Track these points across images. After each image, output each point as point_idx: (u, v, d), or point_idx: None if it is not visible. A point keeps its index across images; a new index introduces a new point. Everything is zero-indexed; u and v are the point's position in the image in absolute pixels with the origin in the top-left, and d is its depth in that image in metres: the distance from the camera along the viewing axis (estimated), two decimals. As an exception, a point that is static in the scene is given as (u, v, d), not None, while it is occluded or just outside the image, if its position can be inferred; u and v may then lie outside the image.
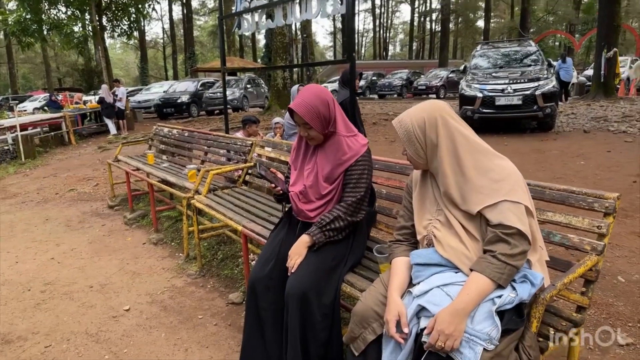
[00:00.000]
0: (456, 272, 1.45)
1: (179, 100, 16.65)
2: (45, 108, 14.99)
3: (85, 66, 27.09)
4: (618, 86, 15.56)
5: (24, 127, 11.11)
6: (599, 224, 1.55)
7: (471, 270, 1.37)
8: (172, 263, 3.69)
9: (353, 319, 1.58)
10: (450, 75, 22.26)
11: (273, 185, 2.07)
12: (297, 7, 3.89)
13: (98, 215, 5.19)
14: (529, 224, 1.39)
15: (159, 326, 2.72)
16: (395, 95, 23.87)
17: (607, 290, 2.86)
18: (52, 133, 11.93)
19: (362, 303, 1.59)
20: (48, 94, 17.88)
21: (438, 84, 21.76)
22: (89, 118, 14.08)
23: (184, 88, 18.04)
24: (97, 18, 16.53)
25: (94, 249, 4.12)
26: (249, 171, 3.68)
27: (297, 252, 1.91)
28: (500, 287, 1.34)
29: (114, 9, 18.45)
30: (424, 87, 22.34)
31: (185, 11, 38.12)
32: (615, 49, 13.74)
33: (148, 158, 4.88)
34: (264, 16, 4.51)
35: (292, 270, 1.88)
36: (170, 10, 39.81)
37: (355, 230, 2.03)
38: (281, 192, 2.08)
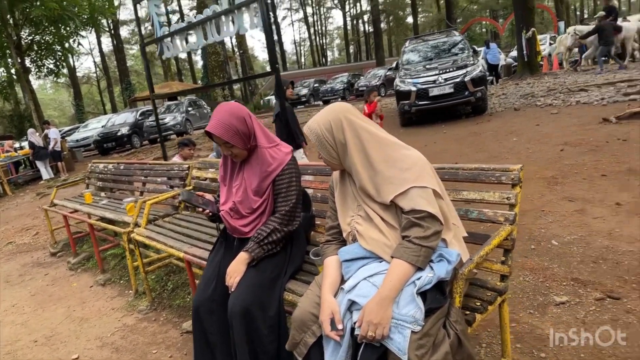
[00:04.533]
0: (380, 262, 1.49)
1: (118, 133, 16.10)
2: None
3: (13, 111, 25.68)
4: (541, 63, 16.57)
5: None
6: (508, 195, 1.65)
7: (392, 257, 1.42)
8: (121, 302, 3.55)
9: (293, 325, 1.59)
10: (388, 73, 22.80)
11: (201, 209, 2.05)
12: (214, 27, 3.89)
13: (40, 265, 4.93)
14: (439, 206, 1.46)
15: (113, 369, 2.62)
16: (339, 99, 24.25)
17: (543, 254, 3.04)
18: (-16, 186, 11.22)
19: (300, 308, 1.60)
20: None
21: (378, 83, 22.30)
22: (23, 165, 13.35)
23: (122, 120, 17.46)
24: (19, 60, 15.73)
25: (37, 301, 3.90)
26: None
27: (236, 270, 1.90)
28: (420, 269, 1.39)
29: (36, 48, 17.64)
30: (364, 88, 22.80)
31: (115, 42, 37.06)
32: (533, 29, 14.62)
33: (85, 197, 4.69)
34: (185, 39, 4.48)
35: (232, 289, 1.87)
36: (99, 43, 38.62)
37: (292, 238, 2.05)
38: (210, 213, 2.07)
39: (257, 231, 1.96)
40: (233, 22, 3.67)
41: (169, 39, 4.66)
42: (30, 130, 12.25)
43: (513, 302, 2.52)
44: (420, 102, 9.04)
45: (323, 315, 1.47)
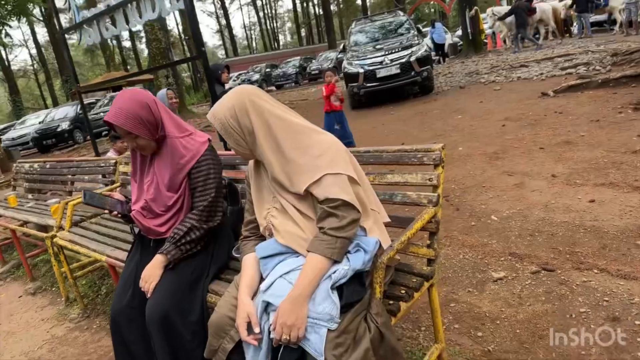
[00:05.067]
0: (297, 257, 1.39)
1: (59, 129, 15.18)
2: None
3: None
4: (485, 41, 16.96)
5: None
6: (430, 177, 1.59)
7: (308, 252, 1.32)
8: (52, 311, 3.30)
9: (210, 331, 1.47)
10: (340, 55, 22.69)
11: (107, 211, 1.87)
12: (136, 10, 3.61)
13: (-36, 278, 4.52)
14: (356, 192, 1.37)
15: (35, 387, 2.41)
16: (293, 84, 23.93)
17: (482, 231, 3.06)
18: None
19: (217, 312, 1.48)
20: None
21: (330, 66, 22.17)
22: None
23: (63, 114, 16.44)
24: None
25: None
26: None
27: (151, 275, 1.75)
28: (336, 262, 1.30)
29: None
30: (317, 71, 22.63)
31: (51, 32, 34.74)
32: (475, 8, 14.91)
33: (9, 200, 4.32)
34: (106, 23, 4.14)
35: (149, 295, 1.72)
36: (34, 34, 36.05)
37: (215, 235, 1.91)
38: (119, 215, 1.89)
39: (173, 230, 1.81)
40: (154, 4, 3.40)
41: (91, 25, 4.30)
42: (-45, 131, 11.28)
43: (452, 282, 2.52)
44: (368, 84, 9.00)
45: (239, 319, 1.36)
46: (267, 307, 1.33)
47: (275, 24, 57.50)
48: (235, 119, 1.41)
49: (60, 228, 3.10)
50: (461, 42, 17.35)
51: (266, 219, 1.48)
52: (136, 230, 1.93)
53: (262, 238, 1.59)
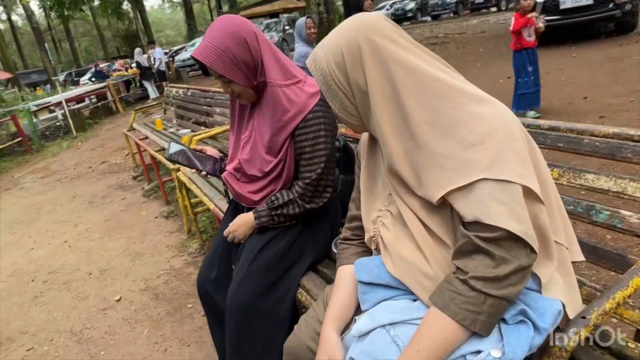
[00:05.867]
0: (414, 301, 0.89)
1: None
2: (93, 79, 15.33)
3: (126, 31, 26.99)
4: None
5: (71, 101, 11.42)
6: (677, 194, 0.89)
7: (431, 302, 0.81)
8: (177, 240, 3.40)
9: (285, 358, 1.11)
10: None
11: (194, 169, 1.56)
12: None
13: (121, 188, 5.06)
14: (534, 214, 0.78)
15: (145, 320, 2.45)
16: (451, 14, 21.58)
17: None
18: (100, 104, 12.18)
19: (295, 336, 1.10)
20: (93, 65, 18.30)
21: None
22: (133, 84, 14.18)
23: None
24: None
25: (107, 227, 3.96)
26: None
27: (239, 231, 1.50)
28: (478, 334, 0.77)
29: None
30: (482, 0, 19.91)
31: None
32: None
33: (156, 124, 4.55)
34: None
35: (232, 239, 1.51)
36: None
37: (318, 213, 1.49)
38: (207, 175, 1.58)
39: (273, 195, 1.45)
40: None
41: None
42: (136, 50, 12.77)
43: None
44: (547, 17, 7.32)
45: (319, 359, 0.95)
46: (359, 362, 0.88)
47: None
48: (342, 70, 0.89)
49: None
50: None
51: (375, 225, 0.99)
52: (231, 194, 1.61)
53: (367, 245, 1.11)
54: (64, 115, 10.24)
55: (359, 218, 1.09)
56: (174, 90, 4.97)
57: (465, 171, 0.78)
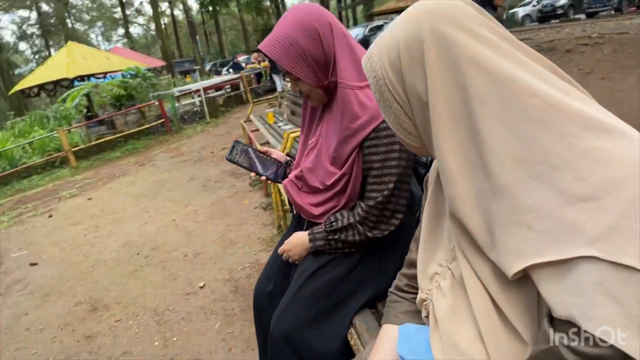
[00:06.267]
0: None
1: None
2: (230, 70, 16.60)
3: (264, 26, 28.76)
4: None
5: (209, 89, 12.54)
6: None
7: None
8: (269, 233, 3.40)
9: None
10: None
11: (254, 172, 1.43)
12: None
13: (233, 175, 5.30)
14: None
15: (219, 313, 2.45)
16: (612, 11, 18.67)
17: None
18: (233, 93, 13.15)
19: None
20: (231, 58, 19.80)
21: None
22: (264, 77, 15.03)
23: (354, 34, 17.69)
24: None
25: (212, 211, 4.16)
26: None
27: (294, 251, 1.33)
28: None
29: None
30: (656, -5, 16.84)
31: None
32: None
33: (268, 117, 4.65)
34: None
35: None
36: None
37: (388, 241, 1.26)
38: (268, 180, 1.43)
39: (332, 215, 1.26)
40: None
41: None
42: (267, 44, 13.44)
43: None
44: None
45: None
46: None
47: None
48: (397, 72, 0.65)
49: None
50: None
51: (430, 285, 0.73)
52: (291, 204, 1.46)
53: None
54: (201, 102, 11.27)
55: (415, 264, 0.84)
56: (289, 84, 5.02)
57: (563, 239, 0.49)
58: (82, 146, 8.96)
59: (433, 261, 0.75)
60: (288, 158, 1.49)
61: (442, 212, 0.76)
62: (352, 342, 1.17)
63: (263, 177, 1.42)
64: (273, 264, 1.48)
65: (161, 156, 7.39)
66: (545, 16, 18.93)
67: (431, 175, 0.83)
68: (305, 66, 1.16)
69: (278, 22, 1.19)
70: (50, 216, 4.94)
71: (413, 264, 0.87)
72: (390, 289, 0.93)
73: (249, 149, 1.41)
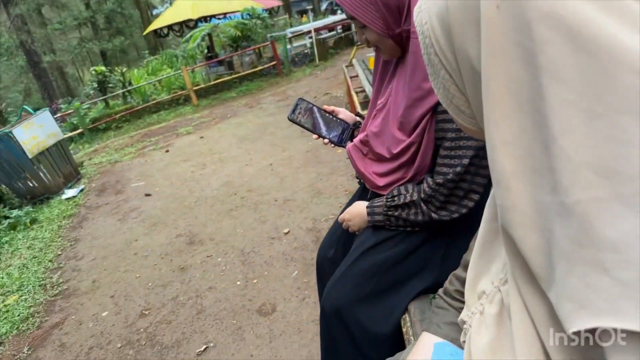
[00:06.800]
0: None
1: None
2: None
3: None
4: None
5: (322, 29, 12.38)
6: None
7: None
8: (356, 185, 3.32)
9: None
10: None
11: (317, 134, 1.31)
12: None
13: (332, 122, 5.25)
14: None
15: (299, 261, 2.50)
16: None
17: None
18: (344, 34, 12.83)
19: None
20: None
21: None
22: (378, 16, 14.32)
23: None
24: None
25: (306, 158, 4.19)
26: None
27: (354, 221, 1.24)
28: None
29: None
30: None
31: None
32: None
33: (369, 62, 4.42)
34: None
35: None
36: None
37: (459, 221, 1.09)
38: (330, 142, 1.31)
39: (395, 188, 1.13)
40: None
41: None
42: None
43: None
44: None
45: None
46: None
47: None
48: (446, 28, 0.47)
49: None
50: None
51: (476, 305, 0.59)
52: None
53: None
54: (311, 43, 11.21)
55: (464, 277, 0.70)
56: (396, 26, 4.67)
57: None
58: (202, 85, 9.60)
59: (485, 275, 0.60)
60: (357, 119, 1.35)
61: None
62: (404, 330, 1.07)
63: (326, 140, 1.31)
64: (335, 230, 1.42)
65: (269, 99, 7.61)
66: None
67: None
68: (373, 10, 0.98)
69: None
70: (167, 151, 5.46)
71: (461, 275, 0.72)
72: (439, 292, 0.79)
73: (314, 107, 1.31)
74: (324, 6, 26.86)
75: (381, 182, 1.17)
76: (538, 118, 0.39)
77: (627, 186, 0.34)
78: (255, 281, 2.40)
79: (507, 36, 0.40)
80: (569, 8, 0.38)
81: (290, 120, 1.29)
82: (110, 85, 9.25)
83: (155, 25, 12.06)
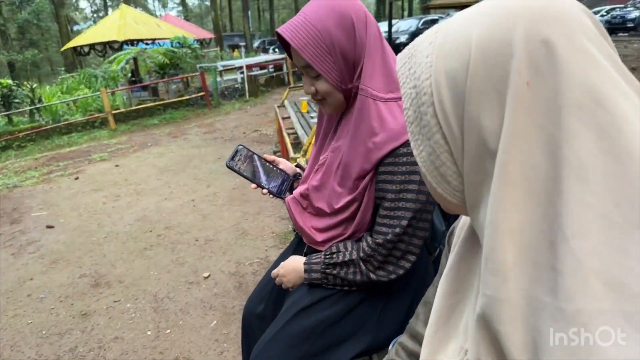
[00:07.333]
0: None
1: (396, 42, 15.90)
2: (276, 50, 16.48)
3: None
4: None
5: (253, 67, 12.47)
6: None
7: None
8: (283, 228, 3.26)
9: None
10: None
11: (256, 184, 1.26)
12: None
13: (260, 160, 5.18)
14: None
15: (218, 309, 2.34)
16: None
17: None
18: (275, 74, 13.03)
19: None
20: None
21: None
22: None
23: (406, 27, 17.24)
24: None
25: (231, 196, 4.05)
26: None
27: (289, 277, 1.15)
28: None
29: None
30: None
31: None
32: None
33: (301, 105, 4.48)
34: None
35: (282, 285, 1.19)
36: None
37: (392, 285, 1.07)
38: (269, 193, 1.26)
39: (333, 245, 1.08)
40: None
41: None
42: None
43: None
44: None
45: None
46: None
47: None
48: (458, 91, 0.43)
49: (305, 152, 2.85)
50: None
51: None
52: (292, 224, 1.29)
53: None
54: (242, 79, 11.21)
55: (420, 334, 0.66)
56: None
57: None
58: (122, 110, 9.09)
59: (442, 354, 0.56)
60: (297, 170, 1.31)
61: (466, 291, 0.56)
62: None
63: (265, 190, 1.25)
64: (266, 284, 1.33)
65: (194, 130, 7.38)
66: (613, 28, 17.71)
67: (460, 230, 0.63)
68: (331, 61, 0.96)
69: (305, 6, 1.00)
70: (77, 178, 5.00)
71: (417, 337, 0.68)
72: (395, 342, 0.74)
73: (254, 155, 1.25)
74: (256, 43, 27.27)
75: (320, 237, 1.12)
76: (551, 212, 0.36)
77: (633, 303, 0.32)
78: (168, 331, 2.19)
79: (533, 117, 0.37)
80: (604, 102, 0.36)
81: (229, 167, 1.22)
82: (17, 100, 8.40)
83: (76, 42, 11.35)
